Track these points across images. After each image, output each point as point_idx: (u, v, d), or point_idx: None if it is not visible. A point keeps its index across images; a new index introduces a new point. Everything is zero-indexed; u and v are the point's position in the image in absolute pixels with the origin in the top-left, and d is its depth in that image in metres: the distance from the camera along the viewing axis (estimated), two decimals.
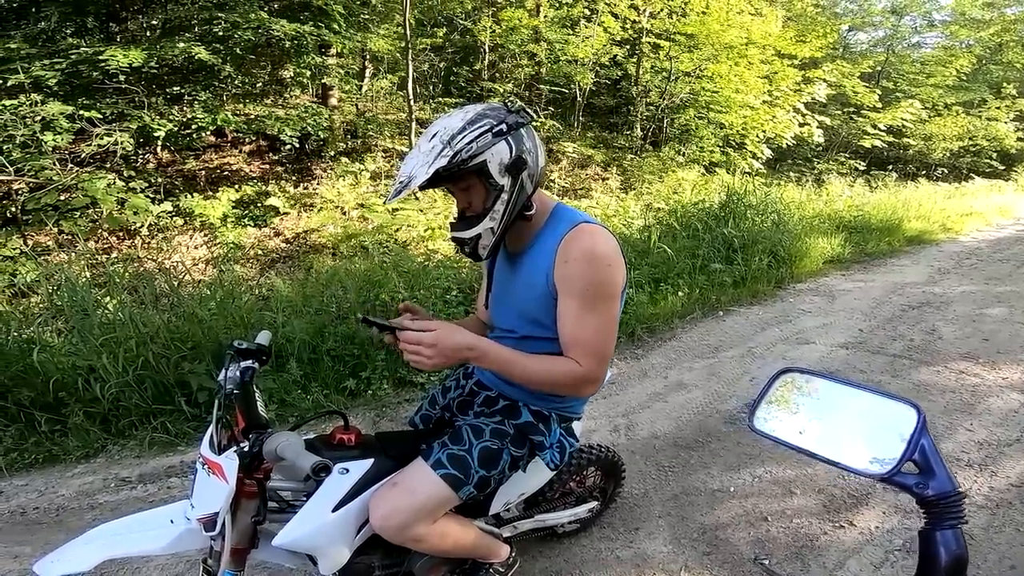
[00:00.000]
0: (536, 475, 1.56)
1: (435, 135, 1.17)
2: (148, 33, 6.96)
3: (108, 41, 6.14)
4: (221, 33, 5.73)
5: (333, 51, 7.24)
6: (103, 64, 5.14)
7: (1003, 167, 15.31)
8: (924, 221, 8.36)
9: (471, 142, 1.16)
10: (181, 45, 5.48)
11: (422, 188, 1.17)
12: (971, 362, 3.54)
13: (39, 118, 4.92)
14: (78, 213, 5.23)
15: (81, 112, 5.15)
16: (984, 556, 1.97)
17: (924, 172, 13.91)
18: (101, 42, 5.87)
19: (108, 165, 5.69)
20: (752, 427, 0.83)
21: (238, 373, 1.21)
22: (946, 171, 14.59)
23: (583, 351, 1.25)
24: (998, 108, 14.46)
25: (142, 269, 4.33)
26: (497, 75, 9.68)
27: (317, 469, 1.04)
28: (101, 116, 5.35)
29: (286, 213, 6.35)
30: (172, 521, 1.25)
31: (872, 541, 2.05)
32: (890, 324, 4.25)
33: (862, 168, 12.15)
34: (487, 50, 9.16)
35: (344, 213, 6.46)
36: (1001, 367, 3.46)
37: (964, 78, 14.55)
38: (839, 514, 2.19)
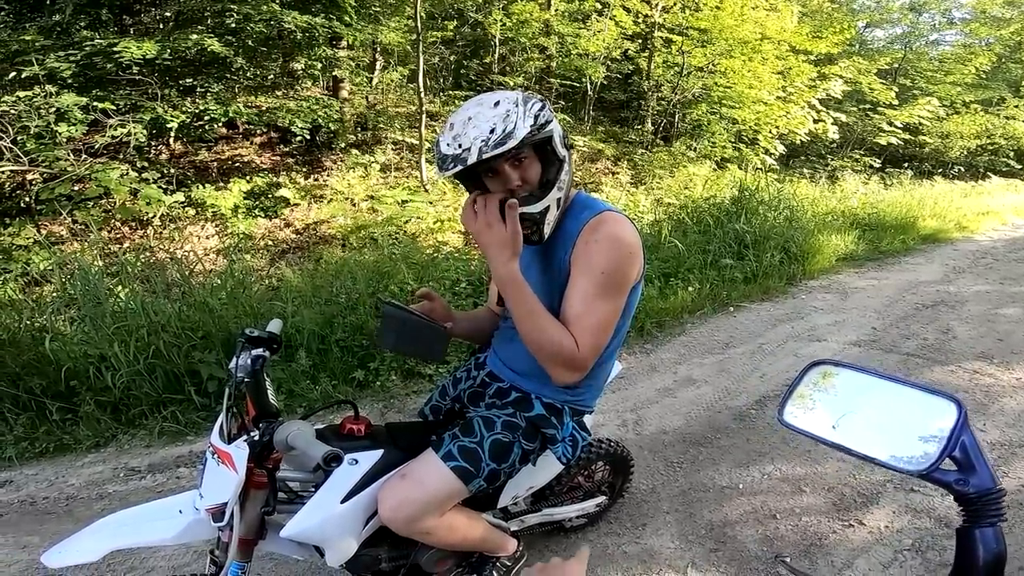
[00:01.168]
0: (546, 469, 1.55)
1: (498, 103, 1.14)
2: (161, 25, 7.00)
3: (122, 33, 6.18)
4: (233, 25, 5.74)
5: (344, 43, 7.24)
6: (117, 56, 5.18)
7: (1020, 166, 15.05)
8: (939, 219, 8.23)
9: (543, 108, 1.16)
10: (194, 37, 5.51)
11: (506, 153, 1.11)
12: (985, 362, 3.49)
13: (53, 109, 4.97)
14: (91, 203, 5.28)
15: (95, 103, 5.20)
16: None
17: (940, 170, 13.69)
18: (115, 34, 5.90)
19: (121, 156, 5.74)
20: (781, 421, 0.80)
21: (249, 361, 1.20)
22: (962, 169, 14.35)
23: (583, 333, 1.21)
24: (1017, 107, 14.20)
25: (154, 259, 4.36)
26: (508, 68, 9.65)
27: (328, 459, 1.03)
28: (115, 107, 5.39)
29: (296, 204, 6.38)
30: (180, 511, 1.25)
31: (881, 540, 2.03)
32: (903, 322, 4.20)
33: (877, 165, 11.98)
34: (498, 43, 9.13)
35: (354, 205, 6.48)
36: (1015, 367, 3.41)
37: (983, 76, 14.31)
38: (848, 513, 2.17)
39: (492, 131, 1.10)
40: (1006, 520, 0.62)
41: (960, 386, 3.17)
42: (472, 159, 1.09)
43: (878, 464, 0.69)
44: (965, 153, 14.21)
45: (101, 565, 1.86)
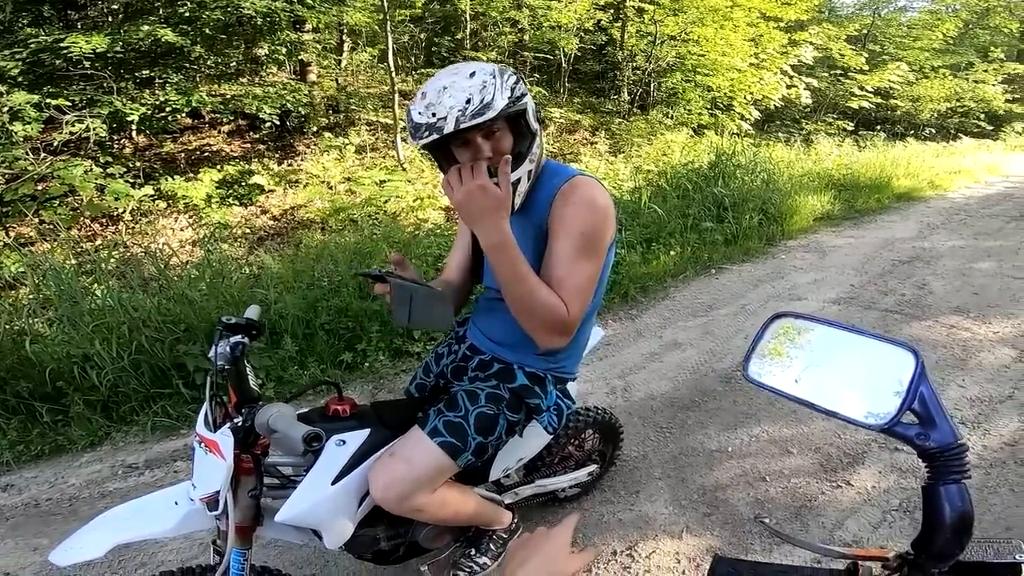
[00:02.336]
0: (534, 439, 1.56)
1: (473, 73, 1.11)
2: (110, 18, 6.75)
3: (68, 28, 5.98)
4: (187, 14, 5.55)
5: (308, 26, 7.06)
6: (65, 51, 5.00)
7: (991, 127, 15.30)
8: (913, 179, 8.35)
9: (517, 81, 1.15)
10: (146, 28, 5.33)
11: (481, 125, 1.09)
12: (962, 316, 3.57)
13: (5, 108, 4.79)
14: (57, 202, 5.13)
15: (48, 100, 5.02)
16: (979, 517, 1.96)
17: (912, 132, 13.86)
18: (60, 30, 5.70)
19: (83, 152, 5.57)
20: (747, 376, 0.78)
21: (228, 348, 1.18)
22: (934, 131, 14.55)
23: (571, 295, 1.20)
24: (985, 71, 14.39)
25: (128, 254, 4.26)
26: (480, 43, 9.49)
27: (309, 438, 1.02)
28: (70, 104, 5.23)
29: (271, 191, 6.26)
30: (177, 503, 1.24)
31: (869, 501, 2.06)
32: (881, 279, 4.27)
33: (850, 129, 12.09)
34: (468, 18, 8.96)
35: (331, 188, 6.38)
36: (992, 321, 3.49)
37: (950, 42, 14.44)
38: (836, 474, 2.20)
39: (469, 101, 1.08)
40: (970, 476, 0.60)
41: (938, 341, 3.23)
42: (449, 128, 1.08)
43: (841, 419, 0.67)
44: (936, 115, 14.40)
45: (113, 562, 1.87)
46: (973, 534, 0.61)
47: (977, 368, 2.95)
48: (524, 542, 0.69)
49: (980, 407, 2.61)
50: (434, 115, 1.09)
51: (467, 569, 1.54)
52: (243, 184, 6.20)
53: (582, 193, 1.23)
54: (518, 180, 1.21)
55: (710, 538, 1.91)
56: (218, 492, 1.13)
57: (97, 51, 5.08)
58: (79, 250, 4.65)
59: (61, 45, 5.00)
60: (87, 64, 5.28)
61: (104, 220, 5.52)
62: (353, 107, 7.94)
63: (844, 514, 2.00)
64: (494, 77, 1.11)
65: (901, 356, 0.66)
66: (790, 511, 2.03)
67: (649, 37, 9.77)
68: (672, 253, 4.46)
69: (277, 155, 7.03)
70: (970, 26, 16.07)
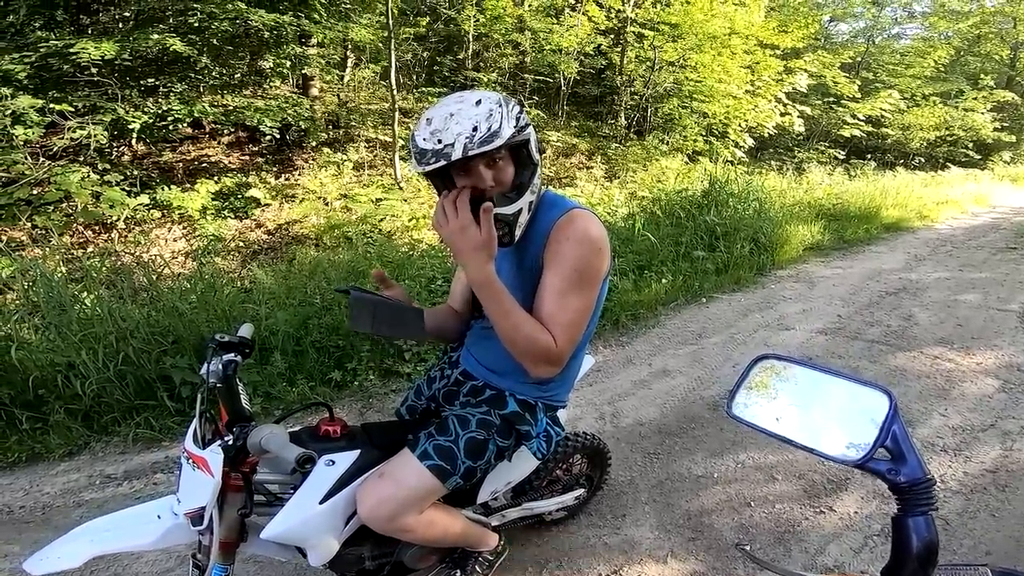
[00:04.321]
0: (523, 464, 1.57)
1: (479, 102, 1.13)
2: (121, 25, 6.80)
3: (79, 34, 6.00)
4: (196, 24, 5.60)
5: (314, 41, 7.14)
6: (74, 57, 5.02)
7: (979, 156, 15.61)
8: (901, 209, 8.50)
9: (521, 111, 1.17)
10: (155, 36, 5.37)
11: (487, 153, 1.10)
12: (946, 347, 3.62)
13: (8, 112, 4.80)
14: (51, 207, 5.11)
15: (52, 105, 5.03)
16: (959, 542, 2.00)
17: (902, 161, 14.14)
18: (72, 35, 5.72)
19: (82, 158, 5.57)
20: (730, 413, 0.83)
21: (220, 366, 1.20)
22: (923, 160, 14.84)
23: (559, 330, 1.23)
24: (975, 99, 14.70)
25: (120, 263, 4.25)
26: (481, 64, 9.63)
27: (302, 461, 1.03)
28: (73, 109, 5.23)
29: (267, 204, 6.28)
30: (159, 516, 1.24)
31: (852, 527, 2.09)
32: (867, 310, 4.33)
33: (841, 157, 12.32)
34: (471, 39, 9.10)
35: (327, 204, 6.41)
36: (975, 352, 3.54)
37: (942, 69, 14.78)
38: (819, 500, 2.23)
39: (476, 129, 1.09)
40: (937, 509, 0.64)
41: (922, 372, 3.28)
42: (456, 155, 1.09)
43: (818, 455, 0.72)
44: (925, 144, 14.70)
45: (85, 572, 1.84)
46: (938, 561, 0.65)
47: (960, 398, 2.99)
48: None
49: (962, 435, 2.65)
50: (440, 142, 1.10)
51: None
52: (239, 196, 6.22)
53: (577, 227, 1.24)
54: (519, 211, 1.22)
55: (695, 563, 1.92)
56: (203, 508, 1.14)
57: (105, 57, 5.09)
58: (70, 257, 4.64)
59: (71, 50, 5.01)
60: (94, 70, 5.30)
61: (97, 227, 5.50)
62: (353, 123, 8.01)
63: (826, 539, 2.03)
64: (500, 106, 1.13)
65: (876, 397, 0.70)
66: (774, 536, 2.05)
67: (648, 62, 9.96)
68: (664, 281, 4.50)
69: (275, 169, 7.05)
70: (962, 53, 16.46)
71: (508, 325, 1.21)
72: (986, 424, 2.74)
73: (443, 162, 1.10)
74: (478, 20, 8.69)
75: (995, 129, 14.95)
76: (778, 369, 0.84)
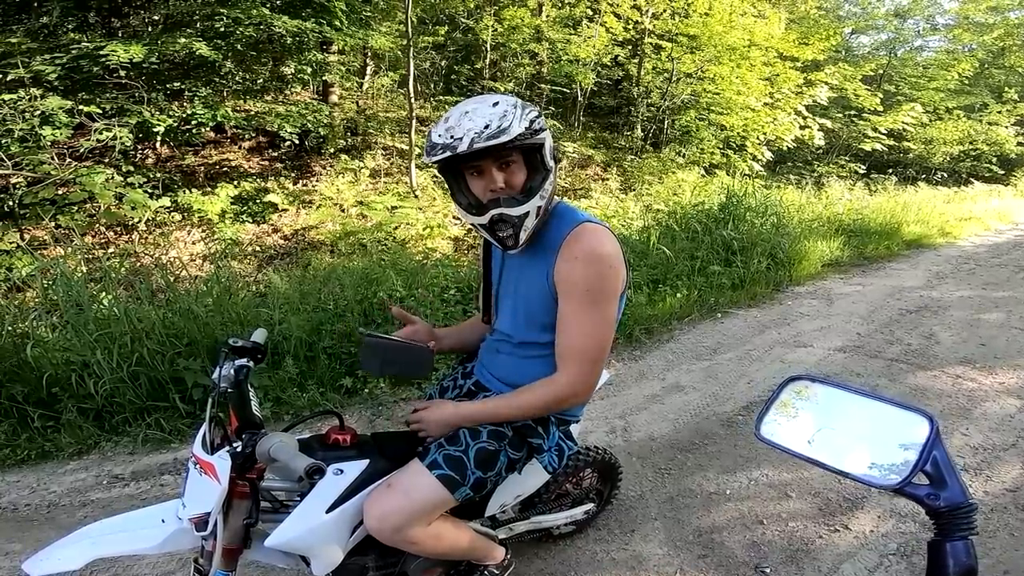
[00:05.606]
0: (533, 477, 1.55)
1: (496, 103, 1.16)
2: (150, 28, 6.95)
3: (109, 36, 6.13)
4: (222, 29, 5.71)
5: (335, 48, 7.24)
6: (103, 59, 5.13)
7: (1003, 172, 15.30)
8: (923, 225, 8.34)
9: (538, 117, 1.19)
10: (182, 40, 5.47)
11: (494, 149, 1.13)
12: (968, 367, 3.53)
13: (38, 112, 4.91)
14: (75, 208, 5.22)
15: (80, 107, 5.14)
16: (978, 562, 1.96)
17: (924, 176, 13.90)
18: (103, 37, 5.85)
19: (107, 160, 5.69)
20: (759, 436, 0.80)
21: (232, 371, 1.19)
22: (946, 175, 14.57)
23: (578, 358, 1.27)
24: (999, 112, 14.43)
25: (139, 264, 4.31)
26: (499, 74, 9.68)
27: (311, 471, 1.02)
28: (101, 111, 5.34)
29: (285, 210, 6.35)
30: (163, 520, 1.24)
31: (867, 545, 2.04)
32: (887, 328, 4.24)
33: (862, 171, 12.13)
34: (489, 49, 9.15)
35: (343, 210, 6.46)
36: (998, 372, 3.46)
37: (966, 82, 14.54)
38: (834, 518, 2.18)
39: (487, 126, 1.12)
40: (977, 534, 0.62)
41: (943, 391, 3.20)
42: (463, 148, 1.11)
43: (853, 479, 0.70)
44: (948, 159, 14.44)
45: (85, 573, 1.84)
46: None
47: (982, 417, 2.92)
48: None
49: (983, 455, 2.60)
50: (452, 136, 1.13)
51: None
52: (258, 201, 6.30)
53: (585, 245, 1.24)
54: (525, 214, 1.22)
55: None
56: (208, 513, 1.13)
57: (134, 60, 5.20)
58: (91, 257, 4.71)
59: (101, 53, 5.12)
60: (122, 73, 5.41)
61: (119, 228, 5.60)
62: (371, 130, 8.09)
63: (840, 558, 1.98)
64: (515, 108, 1.16)
65: (915, 420, 0.69)
66: (786, 554, 2.00)
67: (665, 74, 9.94)
68: (679, 295, 4.45)
69: (293, 174, 7.14)
70: (985, 66, 16.19)
71: (523, 411, 1.33)
72: (1007, 444, 2.68)
73: (448, 153, 1.12)
74: (496, 30, 8.75)
75: (1019, 144, 14.66)
76: (810, 391, 0.82)
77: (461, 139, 1.11)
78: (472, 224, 1.28)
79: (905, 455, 0.66)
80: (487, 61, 9.34)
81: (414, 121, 6.99)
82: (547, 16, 9.19)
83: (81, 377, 2.64)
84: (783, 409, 0.81)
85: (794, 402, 0.82)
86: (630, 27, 9.38)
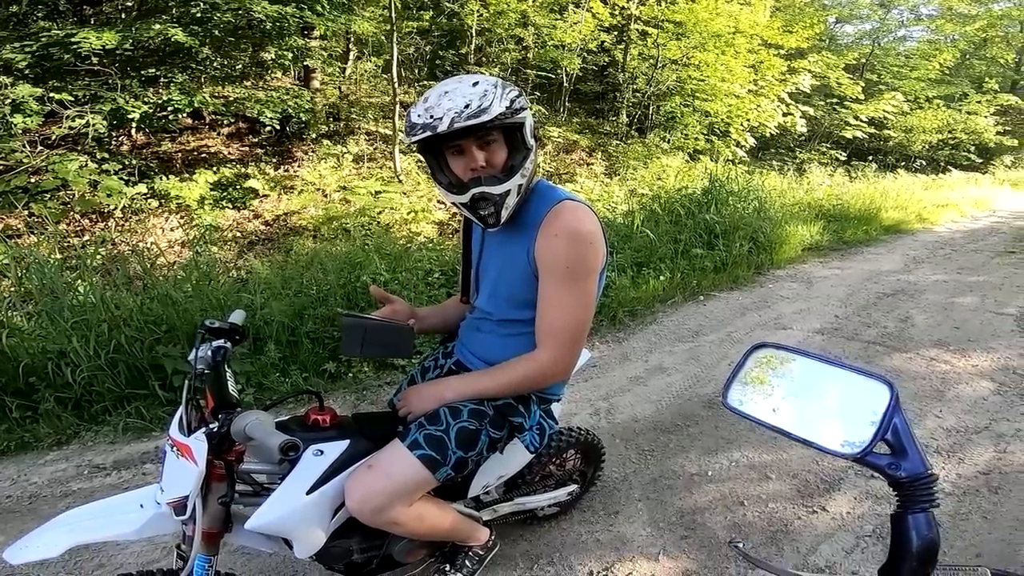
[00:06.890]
0: (515, 457, 1.55)
1: (476, 83, 1.16)
2: (123, 15, 6.76)
3: (81, 23, 5.97)
4: (199, 15, 5.57)
5: (316, 33, 7.11)
6: (75, 46, 4.99)
7: (981, 160, 15.56)
8: (901, 211, 8.48)
9: (519, 96, 1.19)
10: (157, 27, 5.34)
11: (474, 128, 1.13)
12: (942, 349, 3.60)
13: (8, 100, 4.78)
14: (48, 195, 5.10)
15: (52, 95, 5.01)
16: (951, 543, 1.99)
17: (903, 163, 14.10)
18: (74, 24, 5.69)
19: (80, 147, 5.55)
20: (726, 404, 0.80)
21: (209, 353, 1.18)
22: (924, 163, 14.79)
23: (557, 337, 1.28)
24: (979, 102, 14.66)
25: (115, 251, 4.23)
26: (484, 59, 9.58)
27: (285, 448, 1.01)
28: (73, 98, 5.21)
29: (266, 195, 6.26)
30: (142, 505, 1.22)
31: (844, 527, 2.07)
32: (865, 311, 4.31)
33: (843, 158, 12.27)
34: (474, 34, 9.05)
35: (326, 195, 6.39)
36: (971, 355, 3.53)
37: (947, 72, 14.73)
38: (812, 499, 2.22)
39: (467, 105, 1.12)
40: (938, 506, 0.62)
41: (918, 373, 3.27)
42: (443, 128, 1.11)
43: (816, 448, 0.69)
44: (927, 147, 14.65)
45: (69, 562, 1.83)
46: (939, 561, 0.63)
47: (955, 399, 2.98)
48: None
49: (956, 437, 2.64)
50: (431, 116, 1.13)
51: None
52: (238, 187, 6.19)
53: (565, 222, 1.24)
54: (506, 193, 1.22)
55: (686, 561, 1.91)
56: (186, 497, 1.11)
57: (106, 47, 5.08)
58: (66, 245, 4.61)
59: (72, 40, 4.99)
60: (95, 60, 5.27)
61: (94, 216, 5.48)
62: (354, 116, 7.98)
63: (819, 539, 2.02)
64: (495, 88, 1.15)
65: (877, 388, 0.68)
66: (766, 535, 2.04)
67: (651, 60, 9.92)
68: (662, 278, 4.48)
69: (274, 160, 7.03)
70: (967, 56, 16.40)
71: (502, 387, 1.34)
72: (980, 426, 2.73)
73: (428, 133, 1.12)
74: (481, 14, 8.65)
75: (998, 133, 14.91)
76: (775, 359, 0.81)
77: (441, 119, 1.11)
78: (453, 203, 1.28)
79: (867, 423, 0.66)
80: (472, 46, 9.24)
81: (398, 107, 6.91)
82: (533, 1, 9.10)
83: (58, 366, 2.59)
84: (750, 377, 0.81)
85: (760, 370, 0.81)
86: (616, 13, 9.34)
